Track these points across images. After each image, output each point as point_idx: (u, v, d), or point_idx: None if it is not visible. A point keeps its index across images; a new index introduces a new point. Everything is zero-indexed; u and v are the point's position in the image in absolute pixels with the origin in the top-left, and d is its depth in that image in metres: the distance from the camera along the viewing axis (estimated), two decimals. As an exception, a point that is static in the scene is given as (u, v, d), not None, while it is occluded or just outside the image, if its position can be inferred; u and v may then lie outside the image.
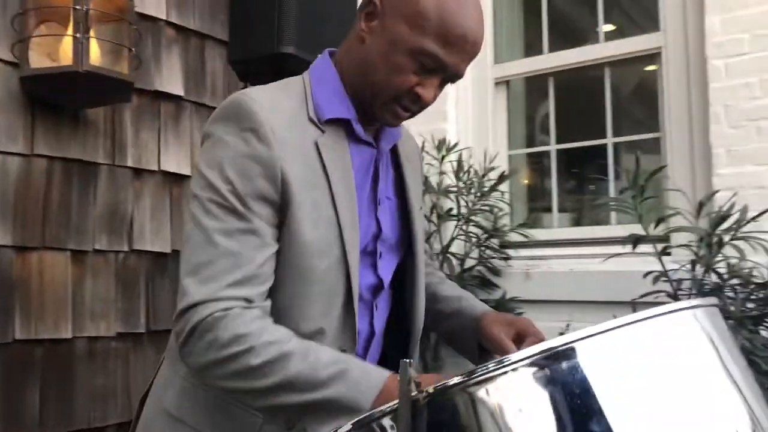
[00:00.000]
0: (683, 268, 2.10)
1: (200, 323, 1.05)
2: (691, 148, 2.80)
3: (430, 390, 0.81)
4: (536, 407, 0.82)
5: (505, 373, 0.82)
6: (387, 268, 1.29)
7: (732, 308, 2.08)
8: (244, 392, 1.06)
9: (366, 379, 1.02)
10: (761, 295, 2.13)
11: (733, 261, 2.01)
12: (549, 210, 3.26)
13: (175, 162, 2.78)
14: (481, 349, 1.34)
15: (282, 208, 1.11)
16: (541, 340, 1.24)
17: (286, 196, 1.11)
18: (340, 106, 1.20)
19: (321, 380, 1.01)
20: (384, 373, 1.03)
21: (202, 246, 1.08)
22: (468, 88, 3.35)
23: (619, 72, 3.18)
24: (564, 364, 0.84)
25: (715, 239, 2.11)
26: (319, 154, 1.15)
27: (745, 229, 2.01)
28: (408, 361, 0.81)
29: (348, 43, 1.24)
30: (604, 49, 3.09)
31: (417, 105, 1.20)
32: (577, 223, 3.34)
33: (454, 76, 1.19)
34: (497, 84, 3.35)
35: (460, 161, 2.95)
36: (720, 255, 2.12)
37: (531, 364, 0.83)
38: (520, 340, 1.28)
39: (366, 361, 1.16)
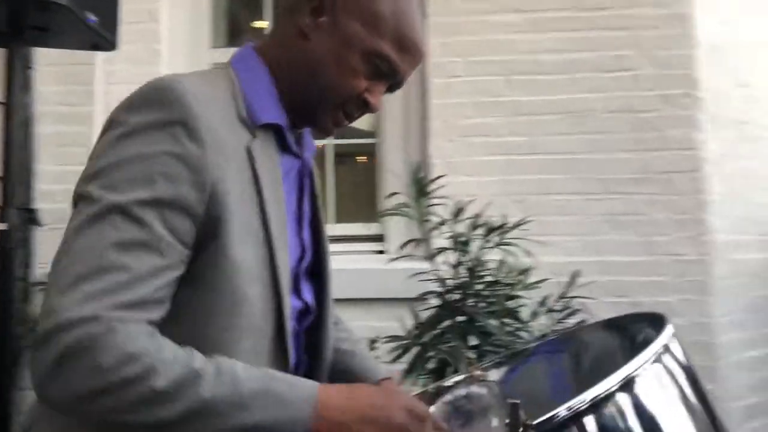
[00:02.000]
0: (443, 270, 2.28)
1: (76, 344, 0.82)
2: (407, 156, 3.04)
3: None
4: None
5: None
6: (308, 291, 1.14)
7: (470, 303, 2.34)
8: (145, 427, 0.84)
9: (292, 391, 0.89)
10: (486, 293, 2.43)
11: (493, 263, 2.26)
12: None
13: None
14: None
15: (207, 224, 0.93)
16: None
17: (215, 210, 0.93)
18: (274, 109, 1.06)
19: (243, 400, 0.85)
20: (313, 385, 0.92)
21: (88, 257, 0.86)
22: (182, 71, 3.09)
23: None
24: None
25: (461, 243, 2.33)
26: (251, 162, 0.99)
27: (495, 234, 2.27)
28: (518, 402, 0.73)
29: (281, 38, 1.09)
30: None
31: (361, 112, 1.10)
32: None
33: (400, 83, 1.12)
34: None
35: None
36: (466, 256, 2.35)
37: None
38: None
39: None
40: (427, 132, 2.96)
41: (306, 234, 1.14)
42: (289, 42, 1.07)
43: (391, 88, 1.12)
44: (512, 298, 2.37)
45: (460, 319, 2.24)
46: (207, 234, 0.93)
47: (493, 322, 2.27)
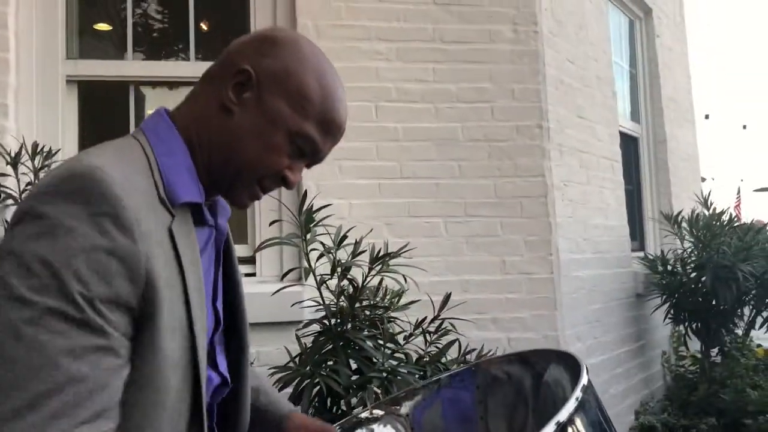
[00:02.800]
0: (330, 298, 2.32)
1: None
2: (278, 177, 3.04)
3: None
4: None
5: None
6: (224, 363, 1.12)
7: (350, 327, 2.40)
8: None
9: None
10: (363, 316, 2.51)
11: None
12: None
13: None
14: None
15: (141, 317, 0.89)
16: None
17: (148, 302, 0.89)
18: (192, 186, 1.02)
19: None
20: None
21: (40, 371, 0.79)
22: (33, 81, 2.88)
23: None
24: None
25: (343, 269, 2.38)
26: (174, 244, 0.95)
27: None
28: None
29: (201, 109, 1.05)
30: (196, 68, 3.08)
31: (277, 187, 1.09)
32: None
33: (320, 161, 1.12)
34: (69, 82, 2.97)
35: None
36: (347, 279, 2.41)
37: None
38: None
39: None
40: (298, 155, 2.98)
41: (219, 303, 1.11)
42: (209, 114, 1.04)
43: (309, 165, 1.11)
44: (390, 320, 2.45)
45: (341, 343, 2.29)
46: (139, 327, 0.89)
47: (370, 344, 2.35)
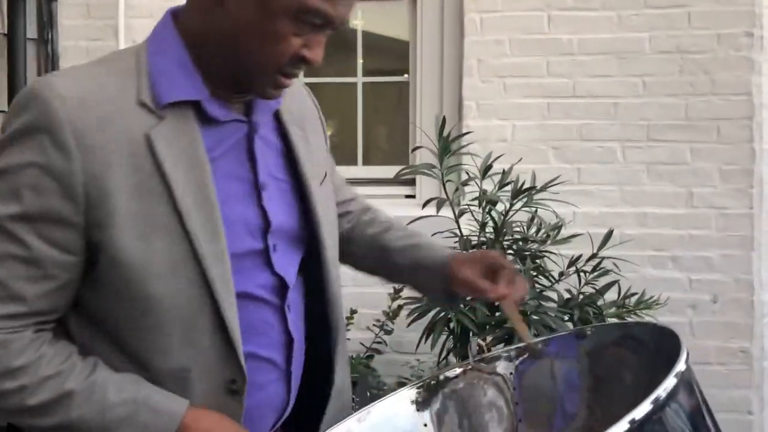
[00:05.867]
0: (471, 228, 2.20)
1: None
2: (441, 97, 2.91)
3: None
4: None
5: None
6: (287, 264, 1.07)
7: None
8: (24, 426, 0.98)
9: (156, 422, 0.94)
10: (515, 248, 2.36)
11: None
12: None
13: None
14: (451, 292, 1.24)
15: (92, 229, 0.92)
16: (514, 273, 1.20)
17: (95, 214, 0.91)
18: (186, 83, 0.97)
19: (106, 425, 0.93)
20: (178, 411, 0.94)
21: None
22: None
23: (373, 14, 3.12)
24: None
25: (488, 202, 2.23)
26: (151, 150, 0.93)
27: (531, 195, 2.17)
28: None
29: (196, 3, 0.98)
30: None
31: (302, 68, 1.00)
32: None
33: (341, 25, 0.99)
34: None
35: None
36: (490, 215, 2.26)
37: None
38: (492, 275, 1.19)
39: (163, 392, 0.98)
40: (461, 72, 2.81)
41: (272, 201, 1.05)
42: (203, 9, 0.96)
43: (333, 31, 0.99)
44: (541, 256, 2.28)
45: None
46: (96, 239, 0.92)
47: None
